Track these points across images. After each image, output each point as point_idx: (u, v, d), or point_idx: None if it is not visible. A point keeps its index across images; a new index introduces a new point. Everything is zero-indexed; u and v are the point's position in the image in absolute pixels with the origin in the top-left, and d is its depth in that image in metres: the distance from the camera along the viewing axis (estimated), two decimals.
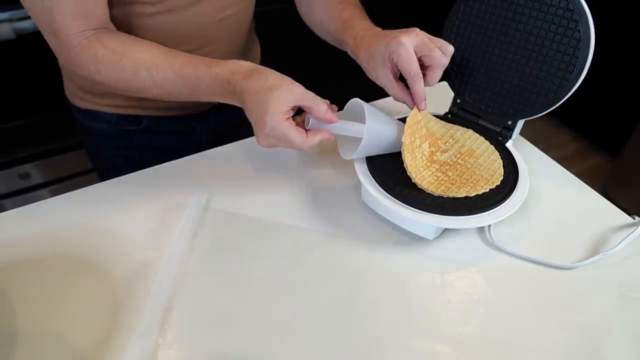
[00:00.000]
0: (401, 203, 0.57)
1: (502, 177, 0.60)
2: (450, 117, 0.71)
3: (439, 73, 0.61)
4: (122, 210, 0.63)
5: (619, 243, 0.57)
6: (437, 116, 0.71)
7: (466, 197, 0.57)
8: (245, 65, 0.58)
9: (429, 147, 0.61)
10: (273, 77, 0.55)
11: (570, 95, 0.61)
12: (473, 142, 0.64)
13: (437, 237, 0.59)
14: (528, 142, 0.75)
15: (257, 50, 0.90)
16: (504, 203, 0.57)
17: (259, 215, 0.62)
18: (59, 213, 0.63)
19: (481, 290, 0.55)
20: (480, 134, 0.67)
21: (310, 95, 0.56)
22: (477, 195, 0.57)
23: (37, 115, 1.41)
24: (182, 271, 0.56)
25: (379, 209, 0.61)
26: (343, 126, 0.59)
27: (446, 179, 0.59)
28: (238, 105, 0.59)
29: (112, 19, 0.63)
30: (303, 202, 0.65)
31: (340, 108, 0.61)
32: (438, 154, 0.62)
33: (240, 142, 0.75)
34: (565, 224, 0.62)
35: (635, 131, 1.67)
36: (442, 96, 0.75)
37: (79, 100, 0.80)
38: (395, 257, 0.58)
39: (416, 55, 0.59)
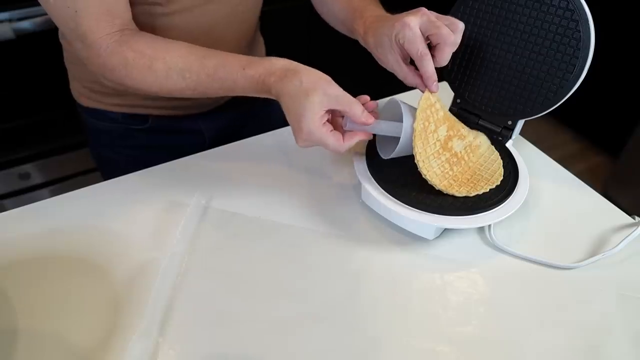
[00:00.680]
0: (401, 203, 0.57)
1: (501, 178, 0.60)
2: None
3: (448, 51, 0.57)
4: (122, 210, 0.63)
5: (619, 243, 0.57)
6: None
7: (466, 197, 0.57)
8: (278, 64, 0.56)
9: (447, 131, 0.59)
10: (307, 79, 0.54)
11: (570, 95, 0.61)
12: (478, 138, 0.64)
13: (437, 237, 0.59)
14: (528, 142, 0.75)
15: (261, 48, 0.90)
16: (504, 203, 0.57)
17: (259, 215, 0.62)
18: (59, 213, 0.63)
19: (481, 290, 0.55)
20: None
21: (345, 99, 0.55)
22: (477, 195, 0.57)
23: (37, 115, 1.41)
24: (182, 271, 0.56)
25: (379, 209, 0.61)
26: (380, 126, 0.58)
27: (451, 173, 0.58)
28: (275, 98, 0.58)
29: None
30: (303, 202, 0.65)
31: None
32: (455, 139, 0.60)
33: (240, 142, 0.75)
34: (565, 224, 0.62)
35: (635, 131, 1.67)
36: (442, 96, 0.75)
37: (85, 99, 0.80)
38: (395, 257, 0.58)
39: (424, 35, 0.57)
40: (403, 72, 0.61)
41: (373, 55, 0.65)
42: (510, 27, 0.63)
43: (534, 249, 0.58)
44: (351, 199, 0.65)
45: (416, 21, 0.56)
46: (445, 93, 0.73)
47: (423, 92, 0.59)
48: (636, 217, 0.61)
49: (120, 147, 0.83)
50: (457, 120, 0.62)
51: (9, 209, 0.63)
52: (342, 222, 0.62)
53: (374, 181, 0.59)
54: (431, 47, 0.59)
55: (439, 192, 0.58)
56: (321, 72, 0.56)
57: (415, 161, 0.56)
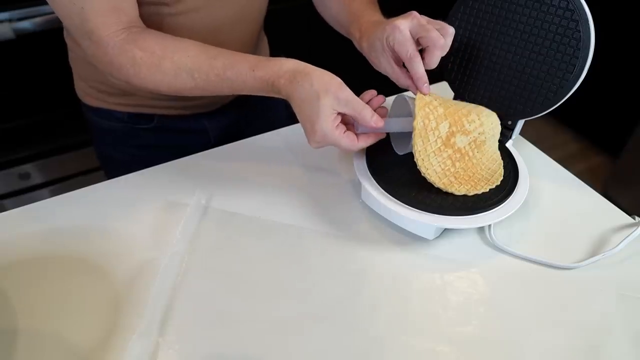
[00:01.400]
0: (401, 203, 0.57)
1: (501, 178, 0.60)
2: None
3: (437, 54, 0.58)
4: (122, 210, 0.63)
5: (619, 243, 0.57)
6: None
7: (466, 197, 0.57)
8: (288, 66, 0.56)
9: (449, 127, 0.58)
10: (318, 81, 0.54)
11: (570, 95, 0.61)
12: (490, 131, 0.62)
13: (437, 237, 0.59)
14: (528, 142, 0.75)
15: (265, 47, 0.91)
16: (504, 203, 0.57)
17: (259, 215, 0.62)
18: (59, 213, 0.63)
19: (481, 290, 0.55)
20: None
21: (355, 104, 0.55)
22: (477, 195, 0.57)
23: (37, 115, 1.41)
24: (182, 271, 0.56)
25: (379, 209, 0.61)
26: (390, 125, 0.59)
27: (452, 170, 0.58)
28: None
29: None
30: (303, 202, 0.65)
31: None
32: (458, 135, 0.59)
33: (241, 142, 0.75)
34: (565, 224, 0.62)
35: (635, 131, 1.67)
36: (442, 96, 0.75)
37: (91, 98, 0.80)
38: (395, 257, 0.58)
39: (414, 38, 0.58)
40: (395, 74, 0.62)
41: (368, 59, 0.66)
42: (510, 27, 0.63)
43: (534, 249, 0.58)
44: (351, 199, 0.65)
45: (406, 24, 0.57)
46: (445, 93, 0.73)
47: (415, 93, 0.60)
48: (636, 217, 0.61)
49: (125, 147, 0.83)
50: (464, 113, 0.60)
51: (9, 209, 0.63)
52: (342, 222, 0.62)
53: (374, 181, 0.59)
54: (422, 51, 0.59)
55: (439, 192, 0.58)
56: (331, 74, 0.56)
57: (415, 159, 0.57)
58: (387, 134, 0.62)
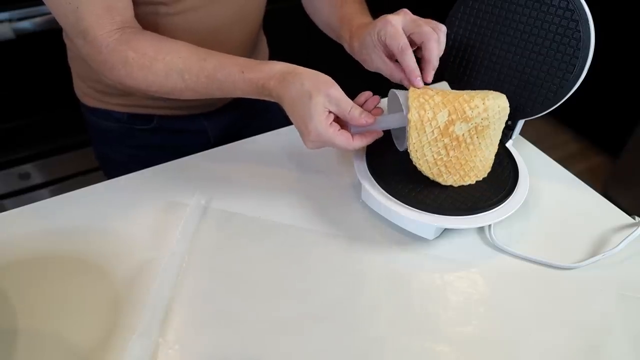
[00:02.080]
0: (401, 203, 0.57)
1: (489, 170, 0.60)
2: None
3: (433, 47, 0.57)
4: (122, 210, 0.63)
5: (619, 243, 0.57)
6: None
7: (466, 197, 0.57)
8: (278, 68, 0.56)
9: (448, 115, 0.56)
10: (309, 81, 0.54)
11: (570, 95, 0.61)
12: (495, 115, 0.58)
13: (437, 237, 0.59)
14: (528, 142, 0.75)
15: (264, 47, 0.90)
16: (504, 203, 0.57)
17: (259, 215, 0.62)
18: (59, 213, 0.63)
19: (481, 290, 0.55)
20: None
21: (344, 104, 0.54)
22: (477, 195, 0.57)
23: (37, 115, 1.41)
24: (182, 271, 0.56)
25: (379, 209, 0.61)
26: (384, 122, 0.58)
27: (445, 159, 0.57)
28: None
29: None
30: (303, 202, 0.65)
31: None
32: (458, 123, 0.56)
33: (240, 142, 0.75)
34: (565, 224, 0.62)
35: (635, 131, 1.67)
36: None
37: (90, 99, 0.80)
38: (395, 257, 0.58)
39: (406, 34, 0.58)
40: (389, 69, 0.61)
41: (359, 60, 0.65)
42: (510, 27, 0.63)
43: (534, 249, 0.58)
44: (351, 199, 0.65)
45: (398, 19, 0.58)
46: None
47: (408, 88, 0.59)
48: (636, 217, 0.61)
49: (124, 147, 0.83)
50: (466, 99, 0.56)
51: (9, 209, 0.63)
52: (342, 222, 0.62)
53: (374, 181, 0.59)
54: (417, 52, 0.59)
55: (439, 192, 0.58)
56: (321, 73, 0.56)
57: (408, 150, 0.56)
58: (389, 132, 0.62)
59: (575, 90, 0.60)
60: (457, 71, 0.69)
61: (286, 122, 0.62)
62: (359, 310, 0.52)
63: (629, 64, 1.79)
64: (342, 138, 0.55)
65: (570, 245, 0.59)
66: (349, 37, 0.66)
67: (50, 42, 0.96)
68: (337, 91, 0.54)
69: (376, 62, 0.62)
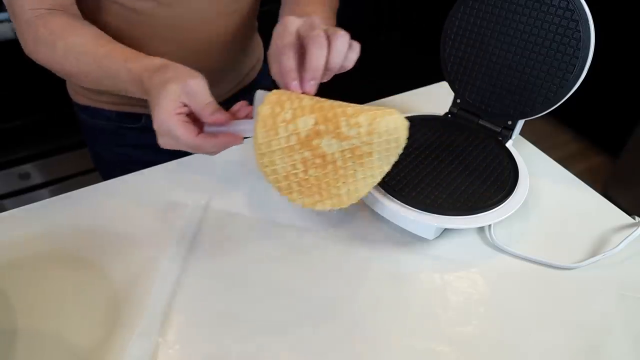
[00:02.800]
0: (401, 203, 0.57)
1: (354, 202, 0.52)
2: (450, 118, 0.71)
3: (312, 52, 0.48)
4: (122, 210, 0.63)
5: (619, 243, 0.57)
6: (435, 117, 0.71)
7: (466, 197, 0.57)
8: (157, 61, 0.54)
9: (315, 124, 0.46)
10: (172, 72, 0.51)
11: (570, 95, 0.61)
12: (383, 144, 0.48)
13: (437, 237, 0.59)
14: (528, 142, 0.75)
15: (259, 51, 0.90)
16: (504, 203, 0.57)
17: (258, 216, 0.62)
18: (59, 213, 0.63)
19: (481, 290, 0.55)
20: (480, 134, 0.67)
21: (199, 98, 0.49)
22: (477, 195, 0.57)
23: (37, 115, 1.41)
24: (182, 271, 0.56)
25: (379, 209, 0.61)
26: (241, 126, 0.51)
27: (301, 176, 0.49)
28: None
29: (104, 17, 0.63)
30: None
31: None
32: (327, 138, 0.46)
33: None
34: (565, 224, 0.62)
35: (635, 131, 1.67)
36: (442, 96, 0.75)
37: (80, 97, 0.80)
38: (395, 257, 0.58)
39: (300, 37, 0.50)
40: (272, 70, 0.53)
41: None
42: (510, 27, 0.63)
43: (534, 249, 0.58)
44: None
45: (295, 21, 0.51)
46: (445, 93, 0.73)
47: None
48: (636, 217, 0.61)
49: (115, 146, 0.83)
50: (348, 112, 0.46)
51: (9, 209, 0.63)
52: (342, 222, 0.62)
53: None
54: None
55: (439, 192, 0.58)
56: (192, 70, 0.52)
57: (254, 150, 0.48)
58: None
59: (575, 90, 0.60)
60: (457, 71, 0.69)
61: None
62: (359, 310, 0.52)
63: (629, 64, 1.79)
64: (182, 130, 0.49)
65: (570, 245, 0.59)
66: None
67: None
68: (197, 83, 0.50)
69: (268, 59, 0.54)
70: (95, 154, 0.89)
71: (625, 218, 0.63)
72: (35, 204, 0.64)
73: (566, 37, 0.58)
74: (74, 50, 0.58)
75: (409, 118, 0.69)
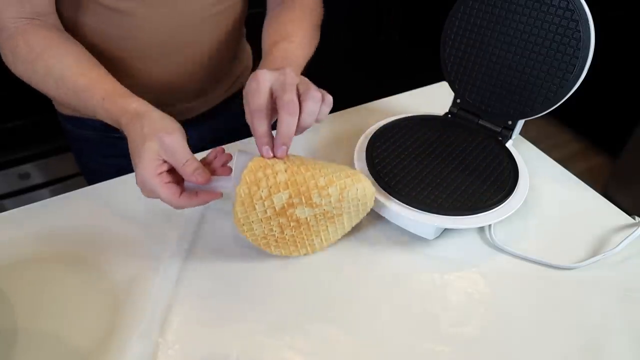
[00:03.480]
0: (401, 203, 0.57)
1: (326, 247, 0.57)
2: (450, 118, 0.71)
3: (282, 118, 0.48)
4: (122, 210, 0.63)
5: (620, 243, 0.57)
6: (435, 117, 0.71)
7: (466, 197, 0.57)
8: (134, 106, 0.53)
9: (289, 197, 0.50)
10: (149, 125, 0.50)
11: (570, 95, 0.61)
12: (353, 208, 0.54)
13: (437, 237, 0.59)
14: (528, 142, 0.75)
15: (247, 58, 0.88)
16: (504, 203, 0.57)
17: None
18: (59, 213, 0.63)
19: (481, 290, 0.55)
20: (480, 134, 0.67)
21: (179, 155, 0.50)
22: (477, 195, 0.57)
23: (37, 115, 1.41)
24: (182, 271, 0.56)
25: (379, 209, 0.61)
26: (221, 183, 0.53)
27: (278, 235, 0.53)
28: None
29: (84, 17, 0.62)
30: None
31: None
32: (300, 208, 0.51)
33: (240, 142, 0.75)
34: (565, 224, 0.62)
35: (635, 131, 1.67)
36: (442, 96, 0.75)
37: (64, 107, 0.79)
38: (395, 257, 0.58)
39: (273, 95, 0.50)
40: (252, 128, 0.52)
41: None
42: (510, 27, 0.63)
43: (534, 249, 0.58)
44: None
45: (269, 76, 0.50)
46: (445, 93, 0.73)
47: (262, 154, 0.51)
48: (636, 217, 0.61)
49: (101, 156, 0.82)
50: (320, 185, 0.50)
51: (9, 209, 0.63)
52: None
53: (375, 181, 0.59)
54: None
55: (439, 192, 0.58)
56: (170, 120, 0.52)
57: (233, 219, 0.51)
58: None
59: (575, 90, 0.60)
60: (457, 71, 0.69)
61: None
62: (359, 310, 0.52)
63: (629, 64, 1.79)
64: (166, 191, 0.49)
65: (570, 245, 0.59)
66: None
67: None
68: (174, 140, 0.50)
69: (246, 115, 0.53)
70: (81, 164, 0.88)
71: (625, 218, 0.63)
72: (35, 204, 0.64)
73: (566, 37, 0.58)
74: (53, 75, 0.57)
75: (409, 118, 0.70)
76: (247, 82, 0.51)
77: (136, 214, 0.62)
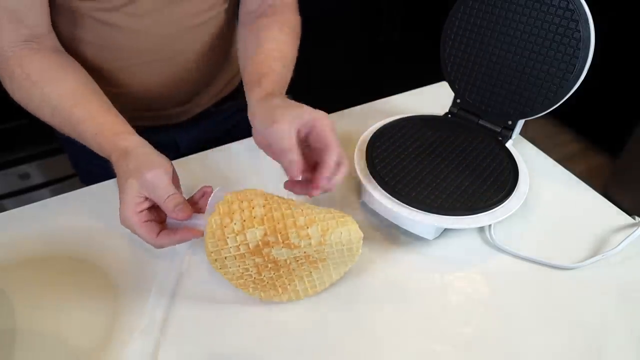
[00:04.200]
0: (401, 203, 0.57)
1: (311, 295, 0.53)
2: (450, 118, 0.71)
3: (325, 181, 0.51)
4: None
5: (620, 243, 0.57)
6: (435, 117, 0.71)
7: (466, 197, 0.57)
8: (124, 144, 0.53)
9: (264, 235, 0.46)
10: (135, 162, 0.51)
11: (570, 95, 0.61)
12: (337, 253, 0.50)
13: (437, 237, 0.59)
14: (528, 142, 0.75)
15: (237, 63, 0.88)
16: (504, 203, 0.57)
17: None
18: (59, 213, 0.63)
19: (481, 290, 0.55)
20: (480, 134, 0.67)
21: (160, 191, 0.49)
22: (477, 195, 0.57)
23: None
24: (183, 271, 0.56)
25: (379, 209, 0.61)
26: (202, 220, 0.51)
27: (255, 276, 0.50)
28: None
29: (62, 27, 0.62)
30: (303, 202, 0.64)
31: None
32: (277, 248, 0.47)
33: (240, 142, 0.75)
34: (565, 224, 0.62)
35: (635, 131, 1.67)
36: (442, 96, 0.75)
37: None
38: (395, 257, 0.58)
39: (301, 135, 0.51)
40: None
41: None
42: (510, 27, 0.63)
43: (534, 249, 0.58)
44: (351, 200, 0.65)
45: (293, 125, 0.50)
46: (445, 93, 0.73)
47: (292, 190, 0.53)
48: (636, 217, 0.61)
49: (93, 159, 0.82)
50: (299, 224, 0.47)
51: (9, 209, 0.63)
52: None
53: (374, 181, 0.59)
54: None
55: (439, 192, 0.58)
56: (157, 156, 0.52)
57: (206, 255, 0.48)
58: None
59: (575, 90, 0.60)
60: (457, 71, 0.69)
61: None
62: (359, 310, 0.52)
63: (629, 64, 1.79)
64: (142, 229, 0.50)
65: (570, 245, 0.59)
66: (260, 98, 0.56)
67: None
68: (155, 176, 0.49)
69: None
70: (76, 166, 0.88)
71: (625, 218, 0.63)
72: (35, 204, 0.64)
73: (566, 37, 0.58)
74: (49, 104, 0.57)
75: (409, 118, 0.70)
76: (271, 131, 0.51)
77: None
